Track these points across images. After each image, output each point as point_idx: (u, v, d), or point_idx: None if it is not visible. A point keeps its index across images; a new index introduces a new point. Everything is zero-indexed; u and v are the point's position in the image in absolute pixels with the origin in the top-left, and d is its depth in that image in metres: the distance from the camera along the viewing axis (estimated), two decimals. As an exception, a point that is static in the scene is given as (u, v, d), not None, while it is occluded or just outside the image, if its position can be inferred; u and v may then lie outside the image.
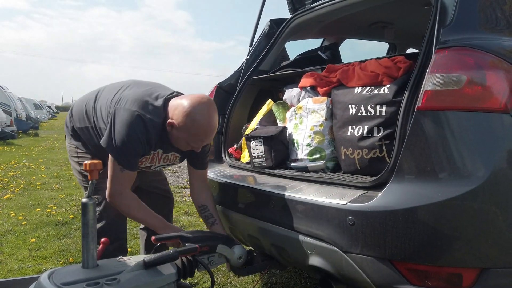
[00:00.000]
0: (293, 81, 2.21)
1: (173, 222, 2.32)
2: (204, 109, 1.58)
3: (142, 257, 1.33)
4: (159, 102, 1.62)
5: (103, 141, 1.60)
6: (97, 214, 1.76)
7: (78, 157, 1.86)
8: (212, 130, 1.63)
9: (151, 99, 1.63)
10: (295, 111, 1.91)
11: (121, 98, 1.64)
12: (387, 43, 3.51)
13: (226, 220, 1.96)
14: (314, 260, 1.45)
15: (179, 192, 4.86)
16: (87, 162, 1.26)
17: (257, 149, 1.89)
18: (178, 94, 1.71)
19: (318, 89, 1.90)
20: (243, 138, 2.19)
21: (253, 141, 1.90)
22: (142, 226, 2.20)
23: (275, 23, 2.58)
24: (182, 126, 1.56)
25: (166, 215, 2.04)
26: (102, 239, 1.42)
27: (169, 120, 1.59)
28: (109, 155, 1.59)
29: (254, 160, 1.92)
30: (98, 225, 1.74)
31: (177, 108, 1.58)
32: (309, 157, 1.78)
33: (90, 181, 1.27)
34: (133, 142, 1.56)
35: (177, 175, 6.26)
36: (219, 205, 1.98)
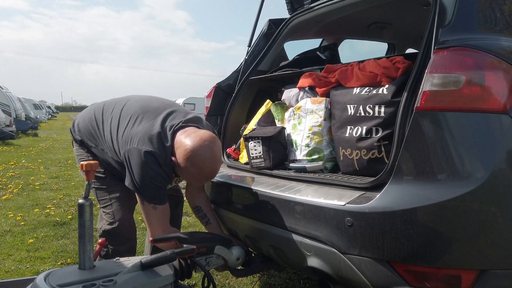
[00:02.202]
0: (291, 81, 2.20)
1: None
2: (206, 153, 1.55)
3: (139, 258, 1.32)
4: (167, 138, 1.61)
5: (128, 184, 1.61)
6: (108, 216, 1.78)
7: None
8: (213, 173, 1.63)
9: (161, 135, 1.61)
10: (293, 111, 1.91)
11: (132, 137, 1.62)
12: (386, 43, 3.51)
13: (224, 221, 1.96)
14: (312, 262, 1.44)
15: (178, 193, 4.85)
16: (84, 163, 1.25)
17: (255, 150, 1.89)
18: (186, 124, 1.67)
19: (317, 89, 1.90)
20: (242, 138, 2.18)
21: (251, 142, 1.89)
22: None
23: (274, 23, 2.58)
24: (184, 167, 1.56)
25: (178, 214, 2.14)
26: (99, 240, 1.42)
27: (172, 158, 1.59)
28: (137, 197, 1.61)
29: (252, 161, 1.91)
30: (110, 227, 1.76)
31: (179, 148, 1.57)
32: (308, 158, 1.78)
33: (86, 182, 1.26)
34: (154, 178, 1.57)
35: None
36: (217, 206, 1.97)
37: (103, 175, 1.80)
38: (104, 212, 1.80)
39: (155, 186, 1.58)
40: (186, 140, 1.57)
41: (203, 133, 1.59)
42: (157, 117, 1.67)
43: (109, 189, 1.81)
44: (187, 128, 1.64)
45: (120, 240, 1.75)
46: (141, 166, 1.56)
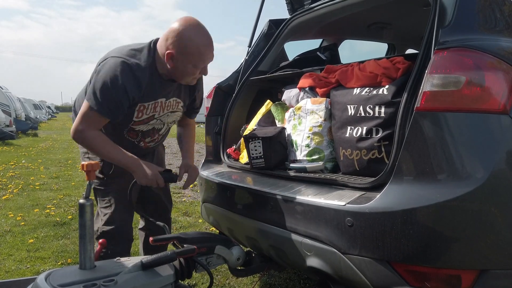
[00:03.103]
0: (292, 81, 2.20)
1: (172, 222, 2.32)
2: (195, 25, 1.54)
3: (139, 258, 1.32)
4: (144, 47, 1.60)
5: (87, 95, 1.56)
6: (107, 216, 1.77)
7: (89, 158, 1.84)
8: (211, 41, 1.59)
9: (136, 47, 1.61)
10: (294, 111, 1.91)
11: (105, 57, 1.61)
12: (386, 44, 3.51)
13: (225, 221, 1.96)
14: (313, 262, 1.44)
15: (178, 193, 4.85)
16: (84, 163, 1.25)
17: (255, 150, 1.89)
18: None
19: (317, 89, 1.90)
20: (242, 138, 2.18)
21: (251, 142, 1.90)
22: (140, 226, 2.20)
23: (274, 24, 2.58)
24: (183, 49, 1.53)
25: (168, 218, 2.12)
26: (100, 240, 1.42)
27: (167, 52, 1.54)
28: (84, 102, 1.57)
29: (252, 161, 1.91)
30: (108, 228, 1.75)
31: (168, 38, 1.54)
32: (308, 158, 1.78)
33: (87, 182, 1.26)
34: (114, 89, 1.51)
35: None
36: (217, 206, 1.98)
37: (102, 176, 1.80)
38: (103, 212, 1.80)
39: (110, 96, 1.52)
40: (169, 31, 1.55)
41: (182, 17, 1.58)
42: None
43: (110, 190, 1.80)
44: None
45: (118, 240, 1.75)
46: (109, 72, 1.52)
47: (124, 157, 1.61)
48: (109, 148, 1.60)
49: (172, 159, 7.73)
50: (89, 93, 1.56)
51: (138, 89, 1.57)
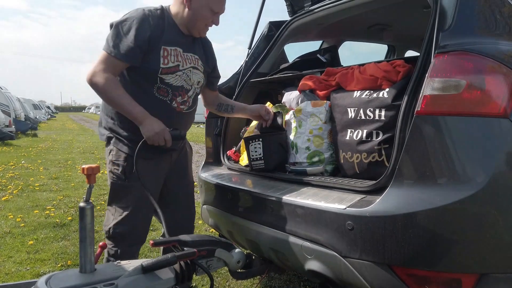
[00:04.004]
0: (292, 83, 2.20)
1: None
2: None
3: (140, 261, 1.32)
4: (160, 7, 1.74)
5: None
6: (122, 216, 1.73)
7: (112, 162, 1.78)
8: None
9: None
10: (294, 114, 1.91)
11: None
12: (386, 46, 3.52)
13: (225, 223, 1.96)
14: (313, 265, 1.45)
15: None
16: (85, 166, 1.25)
17: (255, 151, 1.89)
18: None
19: (317, 92, 1.90)
20: (242, 140, 2.18)
21: (251, 143, 1.90)
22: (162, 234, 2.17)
23: (274, 26, 2.58)
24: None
25: (192, 212, 2.01)
26: (100, 243, 1.41)
27: (178, 9, 1.68)
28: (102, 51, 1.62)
29: (252, 162, 1.91)
30: (121, 228, 1.72)
31: None
32: (308, 161, 1.78)
33: (88, 186, 1.26)
34: (126, 29, 1.59)
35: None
36: (217, 208, 1.97)
37: (124, 177, 1.74)
38: (118, 212, 1.75)
39: (123, 38, 1.59)
40: None
41: None
42: None
43: (129, 191, 1.74)
44: None
45: (129, 242, 1.75)
46: (124, 16, 1.63)
47: (135, 106, 1.61)
48: (120, 93, 1.61)
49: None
50: (108, 39, 1.62)
51: (151, 28, 1.63)
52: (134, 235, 1.76)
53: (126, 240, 1.73)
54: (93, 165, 1.27)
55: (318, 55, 2.37)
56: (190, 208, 2.01)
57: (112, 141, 1.77)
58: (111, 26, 1.64)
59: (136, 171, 1.63)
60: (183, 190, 1.97)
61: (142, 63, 1.64)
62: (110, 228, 1.74)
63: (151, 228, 3.00)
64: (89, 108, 77.00)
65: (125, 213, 1.73)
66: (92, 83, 1.59)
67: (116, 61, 1.60)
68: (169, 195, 1.93)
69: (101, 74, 1.58)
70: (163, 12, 1.71)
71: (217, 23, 1.78)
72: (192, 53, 1.79)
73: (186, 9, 1.69)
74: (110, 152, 1.78)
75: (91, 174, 1.25)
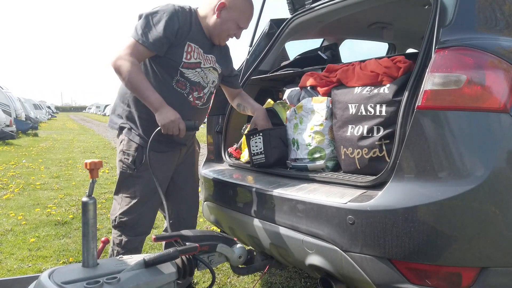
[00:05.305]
0: (293, 81, 2.21)
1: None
2: None
3: (142, 256, 1.33)
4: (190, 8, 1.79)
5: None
6: (128, 206, 1.75)
7: (123, 152, 1.80)
8: (253, 9, 1.84)
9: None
10: (295, 111, 1.92)
11: None
12: (386, 43, 3.52)
13: (226, 220, 1.97)
14: (314, 260, 1.45)
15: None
16: (88, 161, 1.26)
17: (256, 146, 1.90)
18: None
19: (318, 89, 1.91)
20: (243, 137, 2.19)
21: (252, 138, 1.91)
22: (164, 228, 2.19)
23: (275, 23, 2.59)
24: (235, 4, 1.74)
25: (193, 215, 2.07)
26: (103, 238, 1.42)
27: (220, 2, 1.73)
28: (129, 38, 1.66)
29: (253, 157, 1.92)
30: (127, 217, 1.74)
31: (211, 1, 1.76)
32: (309, 157, 1.79)
33: (90, 180, 1.27)
34: (155, 20, 1.64)
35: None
36: (219, 205, 1.98)
37: (133, 167, 1.76)
38: (125, 201, 1.77)
39: (157, 26, 1.63)
40: None
41: None
42: None
43: (138, 182, 1.76)
44: None
45: (134, 231, 1.76)
46: (154, 9, 1.67)
47: (153, 93, 1.64)
48: (142, 77, 1.64)
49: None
50: (136, 27, 1.66)
51: (180, 23, 1.68)
52: (140, 225, 1.78)
53: (131, 229, 1.75)
54: (96, 160, 1.27)
55: (319, 52, 2.38)
56: (195, 204, 2.05)
57: (124, 131, 1.80)
58: (140, 16, 1.68)
59: (148, 159, 1.65)
60: (190, 186, 2.01)
61: (166, 54, 1.69)
62: (116, 217, 1.77)
63: (153, 226, 3.01)
64: (90, 108, 77.03)
65: (132, 202, 1.75)
66: (116, 65, 1.63)
67: (143, 49, 1.64)
68: (175, 190, 1.95)
69: (126, 57, 1.62)
70: (191, 11, 1.78)
71: (238, 37, 1.88)
72: (212, 55, 1.86)
73: (215, 16, 1.76)
74: (121, 142, 1.80)
75: (94, 169, 1.26)
